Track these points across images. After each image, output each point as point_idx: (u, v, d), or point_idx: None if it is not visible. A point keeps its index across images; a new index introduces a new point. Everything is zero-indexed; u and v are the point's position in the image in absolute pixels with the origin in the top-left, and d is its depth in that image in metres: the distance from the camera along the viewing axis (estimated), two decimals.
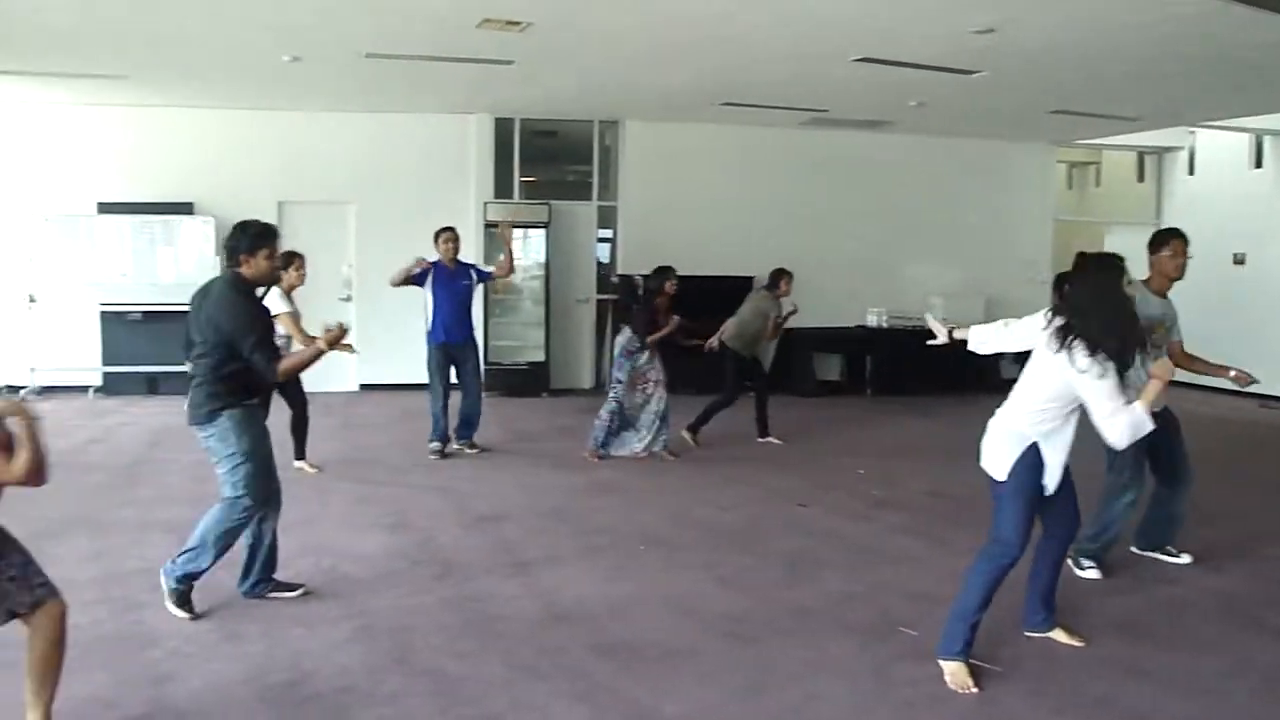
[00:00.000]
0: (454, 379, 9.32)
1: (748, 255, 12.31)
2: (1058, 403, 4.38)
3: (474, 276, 9.38)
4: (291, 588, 5.43)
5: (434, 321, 9.20)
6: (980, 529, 6.52)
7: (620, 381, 9.16)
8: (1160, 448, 5.77)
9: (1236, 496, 8.07)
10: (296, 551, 5.97)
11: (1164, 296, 5.93)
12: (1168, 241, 5.87)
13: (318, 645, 4.78)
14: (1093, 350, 4.21)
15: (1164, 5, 7.54)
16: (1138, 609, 5.44)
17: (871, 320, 14.16)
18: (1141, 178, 16.01)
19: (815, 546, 6.55)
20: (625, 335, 9.22)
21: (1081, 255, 5.19)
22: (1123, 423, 4.17)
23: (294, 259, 8.13)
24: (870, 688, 4.37)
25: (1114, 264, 4.62)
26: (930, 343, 5.49)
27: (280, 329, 7.39)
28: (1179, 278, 5.92)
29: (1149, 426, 4.22)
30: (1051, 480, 4.44)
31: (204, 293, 5.17)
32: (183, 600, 5.07)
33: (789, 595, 5.59)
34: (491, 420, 10.71)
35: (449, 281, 9.19)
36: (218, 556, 5.09)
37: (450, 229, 9.31)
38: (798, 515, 7.38)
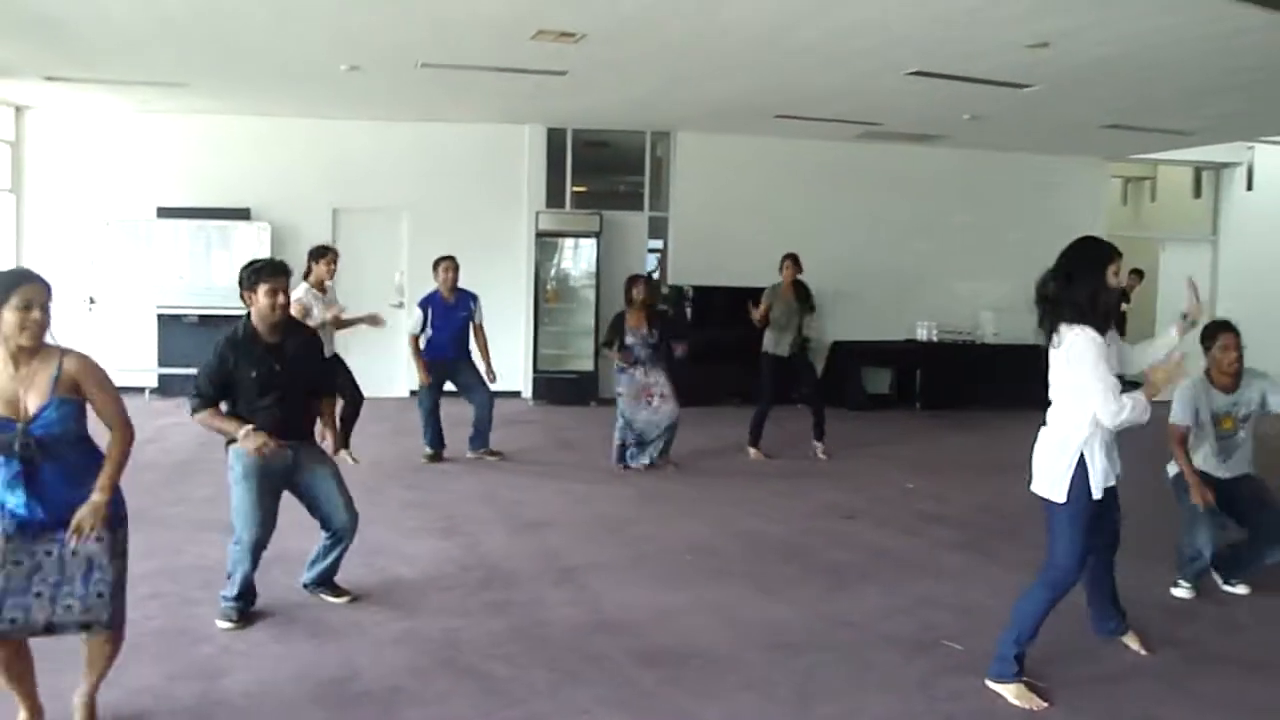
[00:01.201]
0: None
1: None
2: (1071, 395, 4.30)
3: (472, 308, 9.18)
4: (340, 594, 5.45)
5: (428, 344, 9.11)
6: (1030, 544, 6.49)
7: (619, 394, 9.12)
8: (1239, 510, 5.76)
9: None
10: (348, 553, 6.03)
11: (1229, 391, 5.73)
12: (1215, 336, 5.70)
13: (367, 645, 4.84)
14: (1067, 321, 4.23)
15: (1236, 18, 7.39)
16: (1196, 630, 5.37)
17: (921, 334, 14.08)
18: (1198, 194, 15.79)
19: (861, 559, 6.54)
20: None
21: None
22: (1112, 405, 4.10)
23: (325, 253, 8.23)
24: (914, 701, 4.36)
25: (1082, 245, 4.42)
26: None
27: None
28: (1237, 370, 5.70)
29: (1143, 415, 4.12)
30: (1096, 485, 4.25)
31: None
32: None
33: (834, 607, 5.58)
34: (539, 428, 10.78)
35: (446, 313, 9.11)
36: (238, 580, 5.10)
37: (449, 258, 9.17)
38: (844, 528, 7.36)
